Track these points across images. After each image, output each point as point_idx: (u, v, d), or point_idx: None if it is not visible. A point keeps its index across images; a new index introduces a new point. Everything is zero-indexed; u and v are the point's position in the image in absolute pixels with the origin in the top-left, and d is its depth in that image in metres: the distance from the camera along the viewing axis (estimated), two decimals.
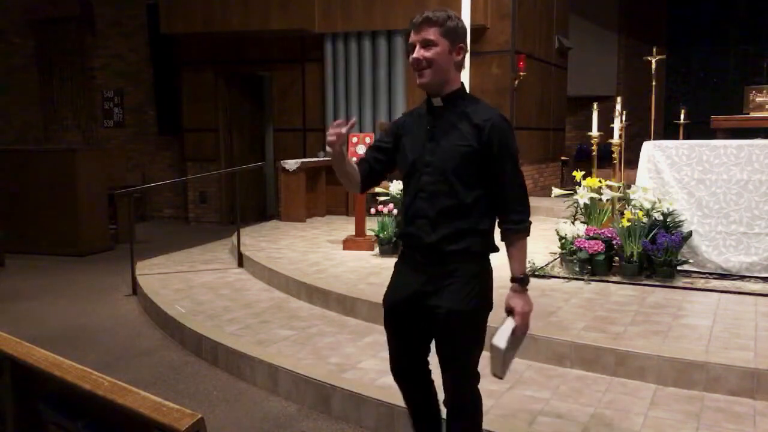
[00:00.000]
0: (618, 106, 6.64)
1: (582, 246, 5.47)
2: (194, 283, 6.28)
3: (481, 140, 2.31)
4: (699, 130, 9.96)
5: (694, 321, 4.36)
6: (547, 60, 10.95)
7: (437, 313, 2.35)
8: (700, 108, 12.31)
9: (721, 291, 5.04)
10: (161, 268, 6.98)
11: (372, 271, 5.94)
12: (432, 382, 2.60)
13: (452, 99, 2.39)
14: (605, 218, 6.03)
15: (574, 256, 5.53)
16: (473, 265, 2.37)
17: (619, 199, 6.16)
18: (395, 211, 6.63)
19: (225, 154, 11.02)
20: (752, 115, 8.49)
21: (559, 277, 5.52)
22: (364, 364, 4.03)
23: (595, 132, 6.66)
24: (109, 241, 8.88)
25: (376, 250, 6.77)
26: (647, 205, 5.48)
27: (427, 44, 2.32)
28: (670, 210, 5.47)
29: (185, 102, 11.04)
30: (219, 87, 10.92)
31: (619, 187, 6.18)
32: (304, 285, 5.59)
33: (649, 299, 4.86)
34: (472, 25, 6.87)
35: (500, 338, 2.25)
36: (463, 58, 2.40)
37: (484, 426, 2.57)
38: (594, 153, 6.83)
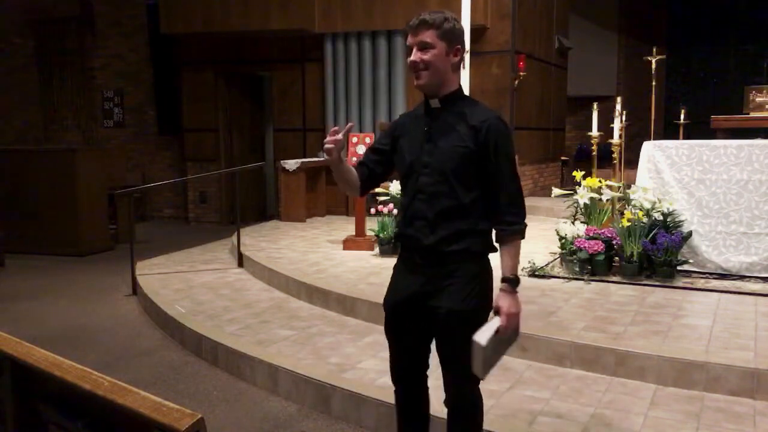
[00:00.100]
0: (618, 106, 6.64)
1: (582, 246, 5.47)
2: (194, 283, 6.29)
3: (477, 141, 2.31)
4: (699, 130, 9.97)
5: (694, 321, 4.36)
6: (547, 60, 10.95)
7: (437, 314, 2.36)
8: (700, 108, 12.32)
9: (721, 291, 5.04)
10: (161, 268, 6.98)
11: (372, 271, 5.94)
12: (427, 386, 2.61)
13: (450, 100, 2.39)
14: (605, 218, 6.03)
15: (574, 256, 5.53)
16: (473, 266, 2.38)
17: (619, 199, 6.16)
18: (395, 211, 6.63)
19: (225, 154, 11.01)
20: (752, 115, 8.50)
21: (559, 277, 5.52)
22: (364, 364, 4.04)
23: (595, 132, 6.66)
24: (109, 241, 8.87)
25: (376, 250, 6.77)
26: (647, 205, 5.48)
27: (424, 47, 2.31)
28: (670, 210, 5.47)
29: (185, 102, 11.04)
30: (219, 87, 10.92)
31: (619, 187, 6.18)
32: (304, 285, 5.59)
33: (649, 299, 4.86)
34: (472, 25, 6.88)
35: (481, 335, 2.23)
36: (461, 59, 2.40)
37: (484, 426, 2.58)
38: (594, 153, 6.84)
